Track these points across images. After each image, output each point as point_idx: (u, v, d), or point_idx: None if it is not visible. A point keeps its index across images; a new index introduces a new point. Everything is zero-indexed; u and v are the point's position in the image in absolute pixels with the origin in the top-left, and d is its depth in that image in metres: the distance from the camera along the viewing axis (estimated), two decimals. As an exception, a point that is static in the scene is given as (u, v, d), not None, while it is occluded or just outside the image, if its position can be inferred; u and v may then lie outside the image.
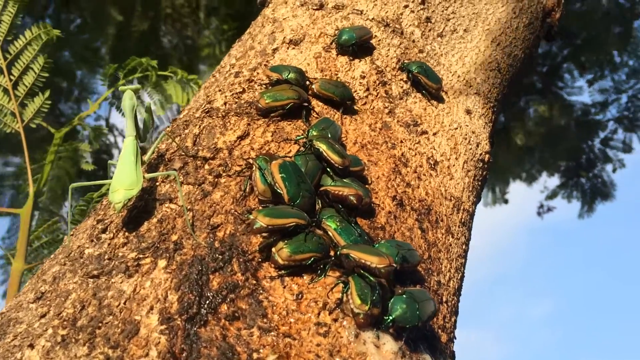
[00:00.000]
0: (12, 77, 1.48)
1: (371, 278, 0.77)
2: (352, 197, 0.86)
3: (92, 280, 0.75)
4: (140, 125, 0.92)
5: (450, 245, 0.99)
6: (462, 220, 1.04)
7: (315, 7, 1.24)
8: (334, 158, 0.91)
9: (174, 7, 5.14)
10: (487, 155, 1.19)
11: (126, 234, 0.81)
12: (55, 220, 1.49)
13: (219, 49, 4.90)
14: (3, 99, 1.47)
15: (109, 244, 0.80)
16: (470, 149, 1.16)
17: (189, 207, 0.84)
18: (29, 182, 1.38)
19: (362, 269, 0.78)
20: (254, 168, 0.88)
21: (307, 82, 1.07)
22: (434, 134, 1.11)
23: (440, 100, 1.18)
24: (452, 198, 1.04)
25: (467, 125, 1.18)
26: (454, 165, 1.10)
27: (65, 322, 0.70)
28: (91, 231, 0.85)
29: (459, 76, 1.27)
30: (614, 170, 4.63)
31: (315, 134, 0.95)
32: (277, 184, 0.84)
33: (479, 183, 1.16)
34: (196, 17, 5.16)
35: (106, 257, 0.78)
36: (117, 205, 0.80)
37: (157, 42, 4.93)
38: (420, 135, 1.08)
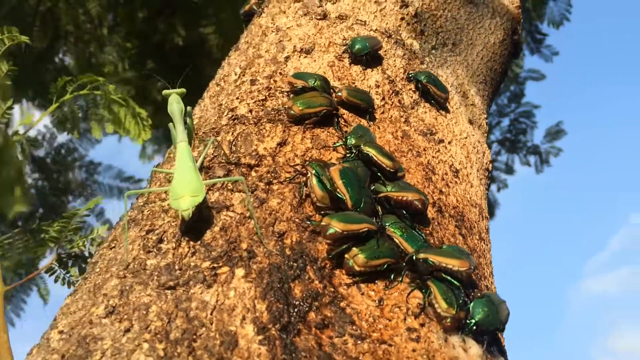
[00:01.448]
0: (-28, 86, 1.37)
1: (454, 281, 0.77)
2: (416, 202, 0.86)
3: (169, 291, 0.70)
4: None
5: (484, 251, 1.00)
6: (486, 227, 1.06)
7: (318, 17, 1.24)
8: (386, 162, 0.90)
9: (75, 24, 4.94)
10: (490, 164, 1.22)
11: (190, 243, 0.77)
12: (27, 239, 1.39)
13: (122, 66, 4.76)
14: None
15: (173, 254, 0.76)
16: (479, 158, 1.19)
17: (247, 215, 0.81)
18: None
19: (443, 273, 0.77)
20: (309, 174, 0.86)
21: (331, 90, 1.05)
22: (449, 142, 1.12)
23: (447, 110, 1.20)
24: (476, 205, 1.06)
25: (473, 135, 1.21)
26: (471, 174, 1.12)
27: (158, 336, 0.65)
28: (142, 242, 0.80)
29: (456, 88, 1.30)
30: (499, 190, 4.83)
31: (354, 140, 0.94)
32: (339, 190, 0.82)
33: (487, 191, 1.18)
34: (99, 34, 4.99)
35: (176, 267, 0.74)
36: (186, 212, 0.75)
37: (55, 60, 4.73)
38: (438, 144, 1.09)
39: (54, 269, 1.26)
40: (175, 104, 0.86)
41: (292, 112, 0.97)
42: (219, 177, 0.87)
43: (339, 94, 1.03)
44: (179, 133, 0.85)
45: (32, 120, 1.45)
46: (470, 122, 1.24)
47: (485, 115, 1.36)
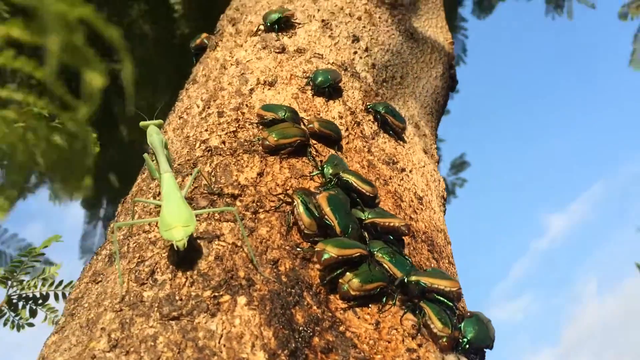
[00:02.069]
0: None
1: (447, 302, 0.80)
2: (403, 228, 0.89)
3: (174, 322, 0.70)
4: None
5: (453, 274, 1.04)
6: (451, 251, 1.10)
7: (277, 51, 1.26)
8: (365, 187, 0.93)
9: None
10: (445, 193, 1.27)
11: (187, 273, 0.76)
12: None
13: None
14: None
15: (171, 285, 0.75)
16: (436, 185, 1.23)
17: (238, 244, 0.81)
18: None
19: (435, 294, 0.80)
20: (295, 203, 0.87)
21: (301, 121, 1.08)
22: (410, 171, 1.16)
23: (404, 140, 1.25)
24: (440, 230, 1.10)
25: (429, 164, 1.26)
26: (432, 201, 1.16)
27: (172, 367, 0.64)
28: (134, 274, 0.78)
29: (408, 119, 1.34)
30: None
31: (331, 169, 0.96)
32: (327, 216, 0.84)
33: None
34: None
35: (177, 297, 0.73)
36: (180, 242, 0.75)
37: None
38: (401, 172, 1.13)
39: (3, 312, 1.20)
40: (155, 135, 0.86)
41: (267, 142, 0.98)
42: (203, 207, 0.87)
43: (311, 125, 1.05)
44: (162, 163, 0.84)
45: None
46: (425, 151, 1.29)
47: (436, 146, 1.41)
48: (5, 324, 1.18)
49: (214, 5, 1.58)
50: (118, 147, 5.08)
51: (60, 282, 1.20)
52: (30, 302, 1.19)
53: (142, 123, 0.88)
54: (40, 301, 1.19)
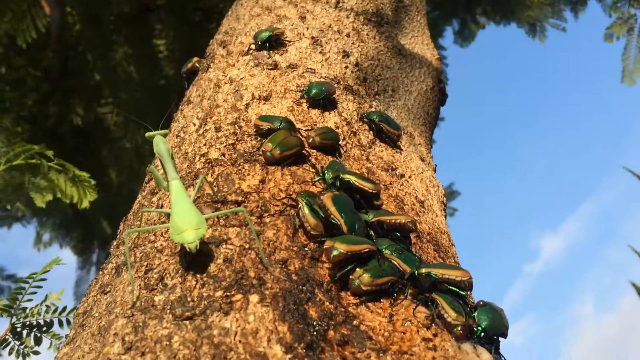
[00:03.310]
0: None
1: (459, 291, 0.79)
2: (409, 224, 0.89)
3: (188, 322, 0.69)
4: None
5: (460, 273, 1.03)
6: (456, 252, 1.10)
7: (270, 67, 1.27)
8: (367, 185, 0.93)
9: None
10: (444, 199, 1.27)
11: (197, 276, 0.76)
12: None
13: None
14: None
15: (181, 288, 0.74)
16: (436, 191, 1.24)
17: (246, 247, 0.81)
18: None
19: (446, 284, 0.80)
20: (299, 205, 0.87)
21: (298, 132, 1.08)
22: (409, 177, 1.17)
23: (400, 148, 1.25)
24: (444, 232, 1.10)
25: (426, 170, 1.26)
26: (433, 205, 1.16)
27: (190, 363, 0.63)
28: (143, 281, 0.78)
29: (402, 129, 1.35)
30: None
31: (332, 173, 0.97)
32: (333, 216, 0.84)
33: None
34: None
35: (188, 299, 0.72)
36: (192, 244, 0.75)
37: None
38: (400, 178, 1.14)
39: (7, 341, 1.18)
40: (161, 144, 0.86)
41: (269, 154, 0.98)
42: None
43: (311, 140, 1.06)
44: (170, 171, 0.84)
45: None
46: (422, 159, 1.30)
47: (431, 155, 1.42)
48: (10, 353, 1.16)
49: (196, 46, 1.60)
50: (107, 191, 5.07)
51: (64, 308, 1.19)
52: (34, 329, 1.17)
53: (148, 134, 0.88)
54: (44, 328, 1.17)
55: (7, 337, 1.17)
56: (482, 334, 0.77)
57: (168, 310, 0.72)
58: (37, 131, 4.62)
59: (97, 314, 0.79)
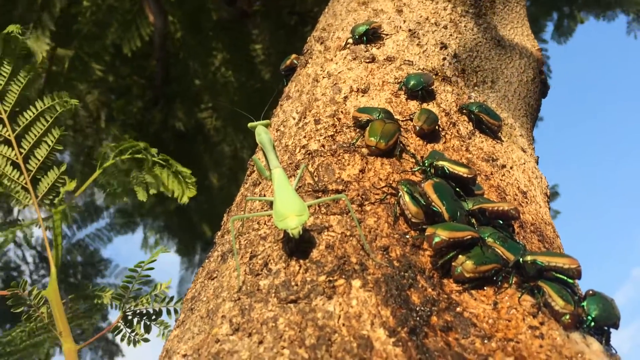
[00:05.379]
0: (22, 151, 1.38)
1: (567, 279, 0.77)
2: (512, 211, 0.87)
3: (292, 305, 0.71)
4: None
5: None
6: (561, 244, 1.07)
7: (367, 61, 1.28)
8: (461, 170, 0.92)
9: (73, 117, 5.00)
10: (547, 190, 1.24)
11: (300, 262, 0.77)
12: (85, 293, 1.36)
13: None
14: (13, 173, 1.36)
15: (285, 273, 0.76)
16: (539, 183, 1.21)
17: (347, 234, 0.82)
18: (50, 261, 1.27)
19: (554, 272, 0.77)
20: (400, 193, 0.87)
21: (400, 120, 1.09)
22: (510, 167, 1.14)
23: (501, 139, 1.23)
24: (548, 223, 1.07)
25: (529, 162, 1.23)
26: (536, 196, 1.13)
27: (295, 343, 0.65)
28: (248, 267, 0.80)
29: (503, 120, 1.33)
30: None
31: (430, 161, 0.96)
32: (434, 203, 0.84)
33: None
34: (96, 127, 5.06)
35: (292, 283, 0.74)
36: (295, 230, 0.76)
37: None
38: (502, 169, 1.11)
39: (119, 328, 1.24)
40: (263, 134, 0.88)
41: (375, 147, 0.98)
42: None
43: (418, 128, 1.06)
44: (272, 160, 0.86)
45: (72, 187, 1.45)
46: (524, 150, 1.27)
47: (533, 146, 1.38)
48: (122, 340, 1.22)
49: (291, 50, 1.62)
50: (207, 195, 5.22)
51: (172, 298, 1.24)
52: (144, 317, 1.22)
53: (250, 124, 0.91)
54: (153, 317, 1.22)
55: (119, 324, 1.23)
56: (592, 324, 0.75)
57: (273, 294, 0.73)
58: (143, 137, 4.81)
59: (205, 298, 0.82)
